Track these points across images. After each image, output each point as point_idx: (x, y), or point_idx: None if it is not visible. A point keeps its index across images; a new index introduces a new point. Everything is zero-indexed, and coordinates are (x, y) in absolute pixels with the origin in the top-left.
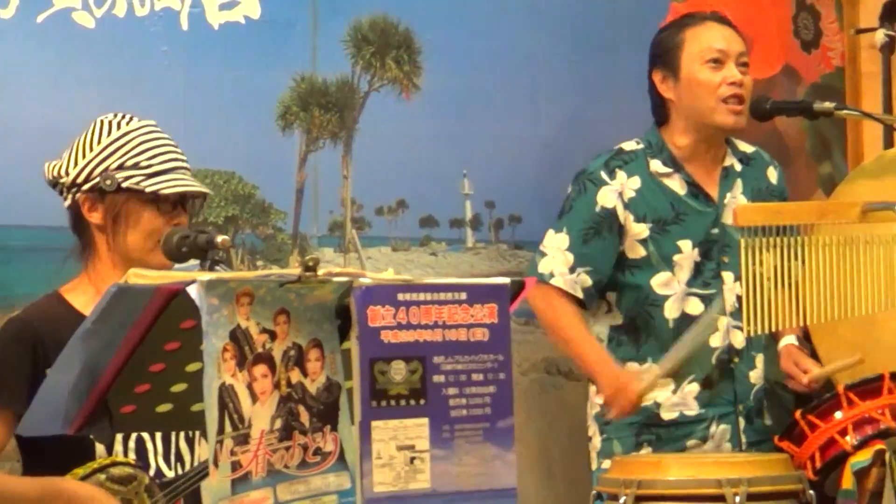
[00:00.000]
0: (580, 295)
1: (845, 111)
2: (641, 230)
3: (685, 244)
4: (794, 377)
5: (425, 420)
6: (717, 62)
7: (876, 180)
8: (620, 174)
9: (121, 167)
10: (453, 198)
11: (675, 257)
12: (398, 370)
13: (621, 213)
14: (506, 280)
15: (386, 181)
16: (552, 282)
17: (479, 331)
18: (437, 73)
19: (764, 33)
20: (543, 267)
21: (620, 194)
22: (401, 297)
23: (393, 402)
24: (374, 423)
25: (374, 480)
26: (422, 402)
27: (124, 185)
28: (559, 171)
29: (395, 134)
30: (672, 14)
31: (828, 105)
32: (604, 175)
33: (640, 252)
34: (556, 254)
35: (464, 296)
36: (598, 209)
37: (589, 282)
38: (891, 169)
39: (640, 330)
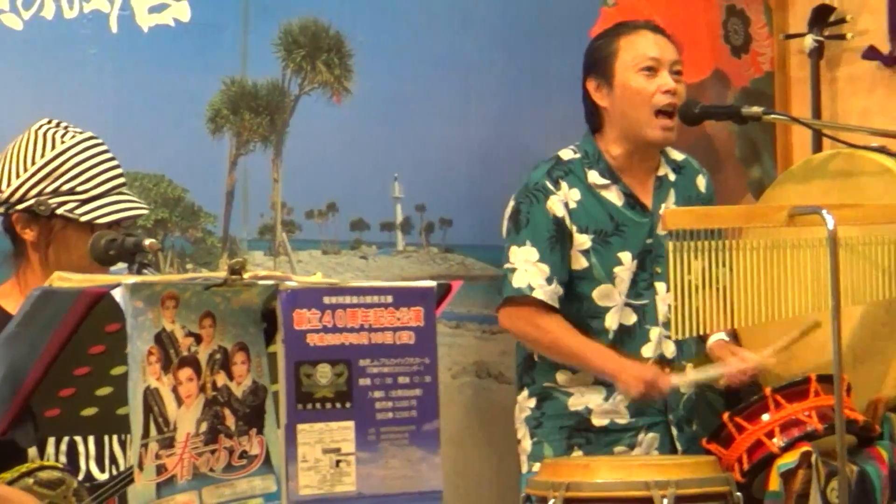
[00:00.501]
0: (557, 305)
1: (773, 116)
2: (584, 241)
3: (625, 256)
4: (744, 360)
5: (351, 423)
6: (651, 70)
7: (803, 184)
8: (563, 184)
9: (55, 192)
10: (384, 201)
11: (616, 269)
12: (324, 373)
13: (568, 223)
14: (432, 283)
15: (316, 184)
16: (534, 294)
17: (405, 334)
18: (368, 77)
19: (694, 38)
20: (519, 282)
21: (566, 204)
22: (326, 300)
23: (318, 406)
24: (300, 427)
25: (299, 483)
26: (347, 405)
27: (58, 211)
28: (490, 174)
29: (325, 137)
30: (603, 19)
31: (756, 109)
32: (549, 185)
33: (583, 263)
34: (529, 267)
35: (390, 299)
36: (550, 218)
37: (561, 291)
38: (818, 173)
39: None
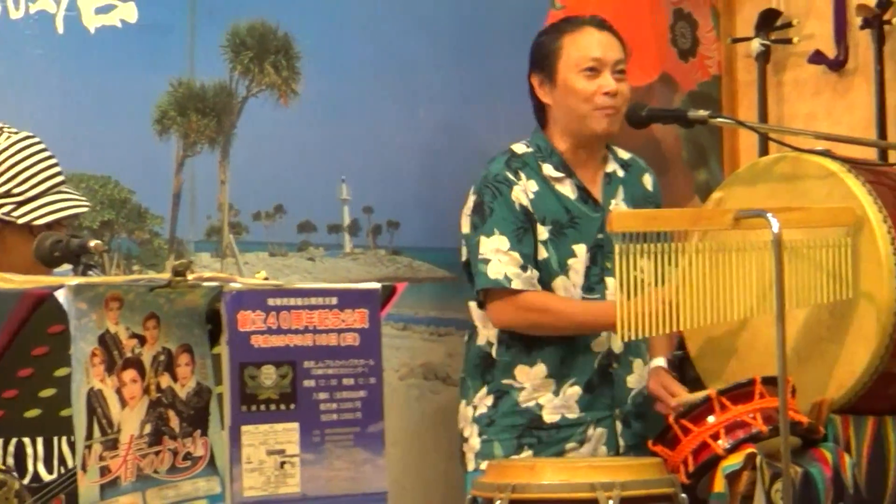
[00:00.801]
0: (539, 289)
1: (719, 119)
2: (542, 232)
3: (580, 248)
4: (662, 399)
5: (295, 425)
6: (593, 70)
7: (748, 187)
8: (522, 175)
9: None
10: (331, 203)
11: (570, 261)
12: (268, 375)
13: (531, 213)
14: (376, 285)
15: (263, 186)
16: (512, 286)
17: (350, 335)
18: (315, 79)
19: (641, 41)
20: (495, 273)
21: (526, 193)
22: (271, 301)
23: (263, 407)
24: (245, 428)
25: (243, 485)
26: (292, 406)
27: None
28: (438, 176)
29: (273, 139)
30: (550, 21)
31: (702, 113)
32: (510, 175)
33: (543, 254)
34: (501, 256)
35: (334, 301)
36: (518, 207)
37: (537, 275)
38: (763, 176)
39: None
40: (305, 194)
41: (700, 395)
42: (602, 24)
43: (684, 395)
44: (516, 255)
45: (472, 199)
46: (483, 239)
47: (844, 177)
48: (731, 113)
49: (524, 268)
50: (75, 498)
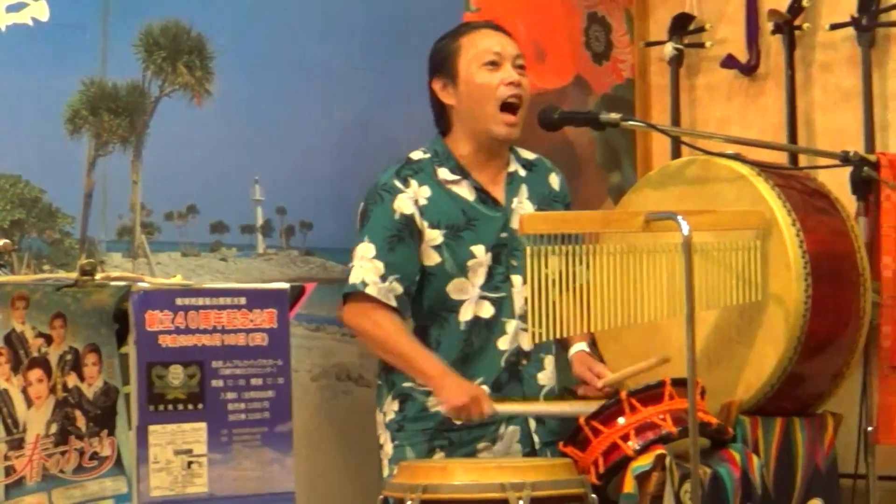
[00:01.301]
0: (393, 303)
1: (631, 122)
2: (436, 236)
3: (478, 249)
4: (589, 382)
5: (203, 424)
6: (494, 64)
7: (660, 190)
8: (412, 182)
9: None
10: (244, 203)
11: (470, 262)
12: (176, 374)
13: (418, 220)
14: (285, 285)
15: (176, 186)
16: (367, 290)
17: (259, 335)
18: (229, 79)
19: (556, 45)
20: (354, 278)
21: (416, 201)
22: (179, 301)
23: (171, 407)
24: (152, 428)
25: (150, 485)
26: (200, 406)
27: None
28: (351, 177)
29: (186, 139)
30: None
31: (614, 116)
32: (397, 184)
33: (436, 259)
34: (365, 263)
35: (243, 301)
36: (397, 216)
37: (400, 289)
38: (675, 179)
39: (431, 336)
40: (218, 195)
41: (635, 369)
42: (497, 27)
43: (610, 376)
44: (380, 264)
45: (361, 205)
46: (357, 246)
47: (754, 180)
48: (645, 116)
49: (383, 278)
50: None
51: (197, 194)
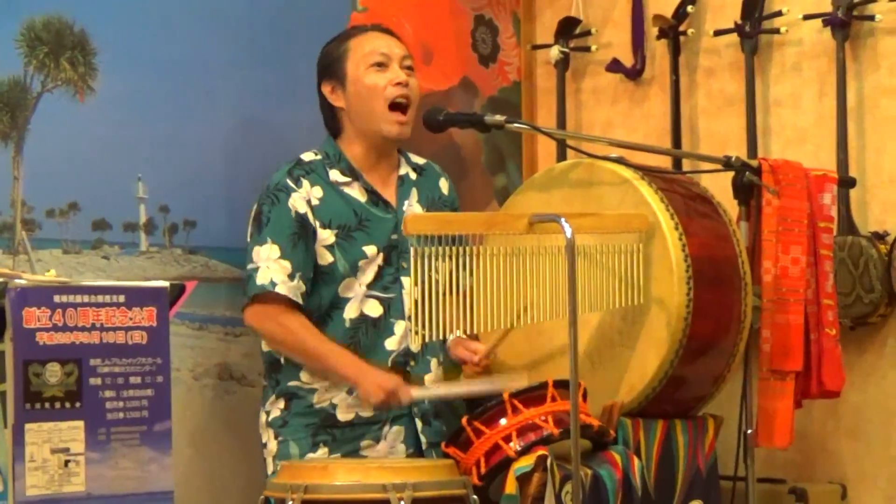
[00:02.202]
0: (301, 301)
1: (516, 125)
2: (328, 236)
3: (370, 249)
4: (467, 360)
5: (81, 423)
6: (382, 65)
7: (545, 193)
8: (304, 182)
9: None
10: (127, 201)
11: (361, 262)
12: (53, 372)
13: (311, 219)
14: (165, 284)
15: (58, 183)
16: (277, 290)
17: (138, 333)
18: (112, 76)
19: (443, 46)
20: (262, 279)
21: (308, 201)
22: (57, 298)
23: (48, 405)
24: (28, 426)
25: (27, 483)
26: (77, 404)
27: None
28: (236, 176)
29: (68, 135)
30: (353, 22)
31: (499, 118)
32: (290, 183)
33: (328, 258)
34: (271, 264)
35: (122, 298)
36: (293, 215)
37: (304, 287)
38: (559, 182)
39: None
40: (101, 192)
41: (495, 339)
42: (385, 29)
43: (483, 348)
44: (287, 263)
45: (254, 207)
46: (257, 248)
47: (638, 184)
48: (531, 119)
49: (291, 276)
50: None
51: (79, 191)
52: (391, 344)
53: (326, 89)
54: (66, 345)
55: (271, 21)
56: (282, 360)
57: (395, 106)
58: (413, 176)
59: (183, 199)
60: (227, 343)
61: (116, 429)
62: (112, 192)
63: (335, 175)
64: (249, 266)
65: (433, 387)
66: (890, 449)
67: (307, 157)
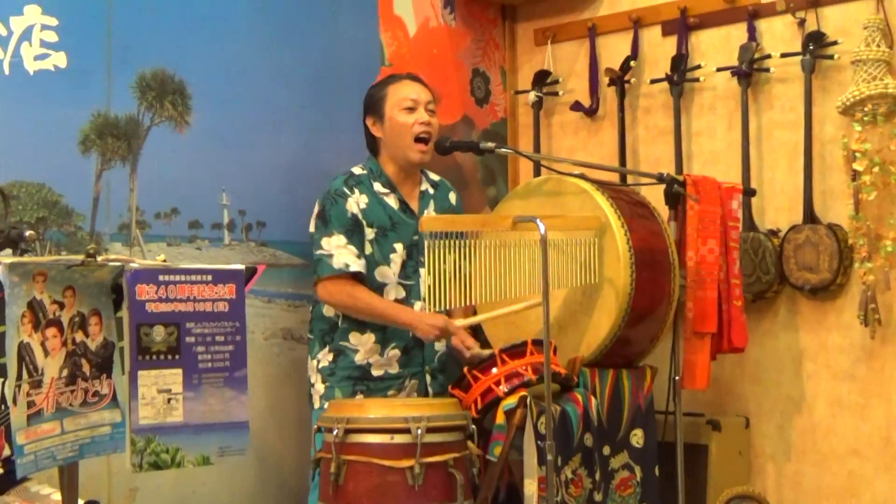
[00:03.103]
0: (364, 271)
1: (503, 150)
2: (370, 233)
3: (398, 246)
4: (460, 352)
5: (180, 370)
6: (411, 109)
7: (524, 200)
8: (356, 190)
9: None
10: (214, 207)
11: (391, 256)
12: (159, 332)
13: (360, 218)
14: (241, 266)
15: (163, 193)
16: (351, 269)
17: (222, 304)
18: (203, 114)
19: (448, 91)
20: (338, 263)
21: (358, 204)
22: (161, 277)
23: (155, 357)
24: (140, 373)
25: (140, 415)
26: (177, 356)
27: None
28: (295, 188)
29: (170, 158)
30: (382, 74)
31: (491, 144)
32: (346, 190)
33: (368, 250)
34: (341, 250)
35: (210, 277)
36: (349, 215)
37: (365, 267)
38: (535, 192)
39: None
40: (195, 200)
41: (487, 352)
42: (416, 78)
43: (476, 349)
44: (353, 248)
45: (317, 207)
46: (325, 239)
47: (594, 193)
48: (515, 145)
49: (358, 256)
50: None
51: (179, 199)
52: None
53: (369, 122)
54: (168, 312)
55: (321, 72)
56: (339, 323)
57: (419, 139)
58: (431, 191)
59: (256, 205)
60: (289, 312)
61: (206, 375)
62: (203, 200)
63: (378, 187)
64: (320, 252)
65: (471, 317)
66: (781, 390)
67: (357, 170)
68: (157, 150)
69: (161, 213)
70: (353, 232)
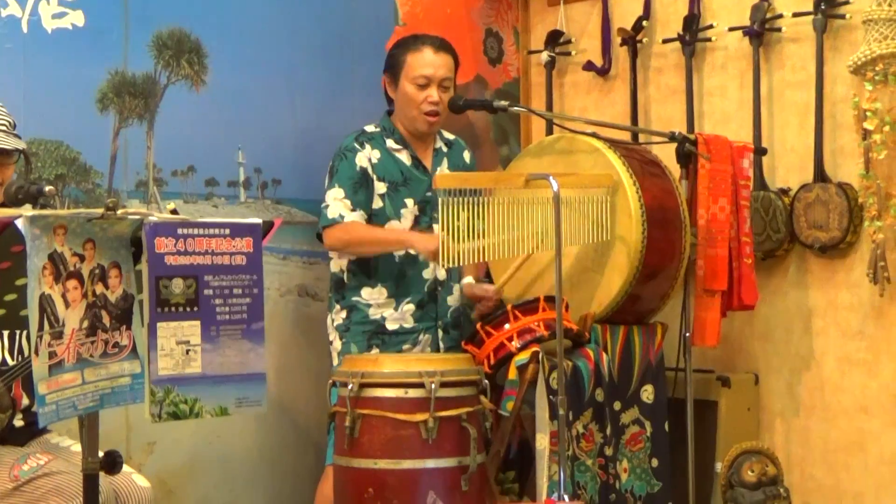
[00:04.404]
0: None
1: (516, 108)
2: (381, 187)
3: (410, 202)
4: (482, 295)
5: (198, 322)
6: (424, 85)
7: (537, 158)
8: (367, 146)
9: None
10: (230, 165)
11: (403, 210)
12: (178, 285)
13: (371, 172)
14: (259, 220)
15: (180, 151)
16: (344, 220)
17: (239, 257)
18: (219, 73)
19: (462, 51)
20: (332, 213)
21: (369, 159)
22: (180, 231)
23: (173, 309)
24: (159, 324)
25: (158, 366)
26: (195, 309)
27: None
28: (310, 146)
29: (187, 116)
30: (395, 35)
31: (504, 103)
32: (357, 145)
33: (380, 204)
34: (337, 203)
35: (227, 231)
36: (358, 169)
37: (365, 216)
38: (548, 150)
39: (371, 264)
40: (211, 158)
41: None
42: (440, 46)
43: (492, 287)
44: (348, 202)
45: (329, 164)
46: (329, 191)
47: (606, 152)
48: (527, 105)
49: (353, 210)
50: (30, 379)
51: (195, 157)
52: (427, 274)
53: (386, 80)
54: (187, 265)
55: (335, 32)
56: (346, 279)
57: (427, 113)
58: (445, 149)
59: (271, 164)
60: (304, 269)
61: (224, 327)
62: (219, 158)
63: (390, 143)
64: (322, 205)
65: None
66: (790, 347)
67: (369, 128)
68: (174, 108)
69: (178, 171)
70: (359, 186)
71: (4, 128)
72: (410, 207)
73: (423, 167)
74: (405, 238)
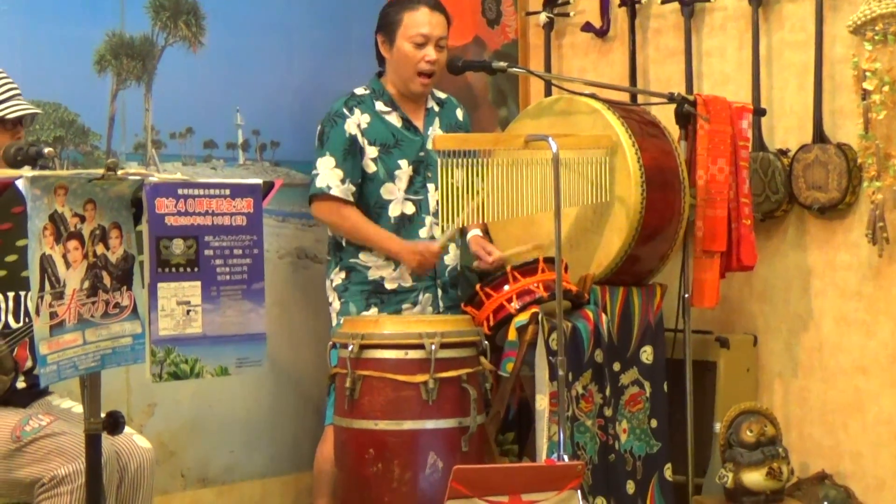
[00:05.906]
0: (351, 199)
1: (515, 69)
2: (373, 151)
3: (403, 163)
4: (482, 257)
5: (198, 283)
6: (421, 44)
7: (536, 119)
8: (356, 111)
9: None
10: (229, 127)
11: (397, 172)
12: (178, 245)
13: (360, 139)
14: (259, 181)
15: (178, 113)
16: (332, 192)
17: (239, 218)
18: (217, 34)
19: (460, 13)
20: (321, 183)
21: (358, 125)
22: (180, 191)
23: (174, 269)
24: (160, 285)
25: (159, 327)
26: (196, 269)
27: None
28: (308, 108)
29: (185, 78)
30: None
31: (502, 64)
32: (346, 111)
33: (372, 168)
34: (327, 172)
35: (227, 192)
36: (347, 136)
37: (353, 189)
38: (547, 112)
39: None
40: (209, 120)
41: (510, 251)
42: (435, 5)
43: (497, 253)
44: (339, 171)
45: (318, 128)
46: (319, 159)
47: (605, 113)
48: (526, 66)
49: (343, 181)
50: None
51: (193, 119)
52: (423, 233)
53: (380, 39)
54: (187, 225)
55: None
56: (343, 243)
57: (422, 74)
58: (437, 108)
59: (270, 125)
60: (303, 231)
61: (224, 287)
62: (217, 119)
63: (380, 106)
64: (313, 172)
65: (441, 235)
66: (789, 308)
67: (359, 91)
68: (172, 70)
69: (176, 133)
70: (348, 154)
71: (20, 93)
72: (405, 168)
73: (413, 128)
74: (393, 250)
